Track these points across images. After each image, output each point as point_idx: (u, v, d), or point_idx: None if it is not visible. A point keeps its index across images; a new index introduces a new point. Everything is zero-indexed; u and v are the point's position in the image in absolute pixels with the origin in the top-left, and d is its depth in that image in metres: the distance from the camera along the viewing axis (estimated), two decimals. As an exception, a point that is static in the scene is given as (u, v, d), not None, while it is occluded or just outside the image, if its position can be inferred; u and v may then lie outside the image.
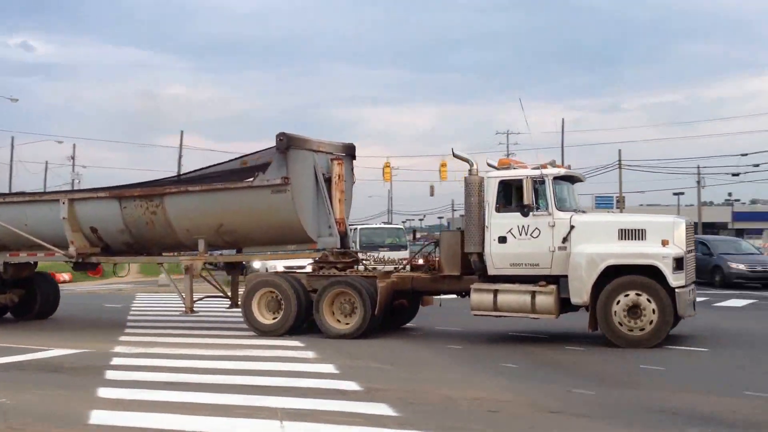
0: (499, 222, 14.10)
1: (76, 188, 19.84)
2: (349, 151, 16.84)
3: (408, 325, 16.44)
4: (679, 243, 13.41)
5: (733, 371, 11.13)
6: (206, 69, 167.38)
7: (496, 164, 15.09)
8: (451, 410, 8.59)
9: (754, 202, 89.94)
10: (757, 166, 55.66)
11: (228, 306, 17.62)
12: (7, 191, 26.77)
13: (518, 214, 13.97)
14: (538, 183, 13.90)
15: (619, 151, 58.24)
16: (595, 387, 9.81)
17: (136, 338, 15.07)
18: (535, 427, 7.90)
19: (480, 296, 14.09)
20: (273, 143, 15.53)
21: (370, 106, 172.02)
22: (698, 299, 17.46)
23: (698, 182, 73.17)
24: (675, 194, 76.85)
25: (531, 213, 13.81)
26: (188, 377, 10.62)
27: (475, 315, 14.30)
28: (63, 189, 19.86)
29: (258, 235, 16.22)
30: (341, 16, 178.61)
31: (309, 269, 16.38)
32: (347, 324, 14.70)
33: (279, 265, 21.72)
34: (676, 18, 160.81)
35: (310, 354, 12.79)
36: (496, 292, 14.01)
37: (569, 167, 15.11)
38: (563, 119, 73.51)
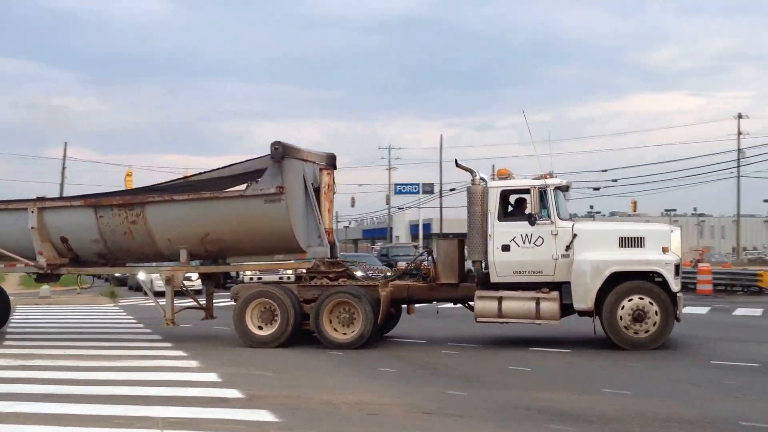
0: (502, 231, 14.34)
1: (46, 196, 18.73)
2: (332, 161, 16.69)
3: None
4: (675, 250, 14.16)
5: (593, 371, 11.90)
6: (93, 81, 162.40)
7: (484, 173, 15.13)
8: (331, 414, 8.91)
9: (613, 214, 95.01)
10: (615, 181, 59.55)
11: (202, 318, 16.93)
12: None
13: (521, 222, 14.33)
14: (542, 193, 14.34)
15: (493, 166, 59.99)
16: (467, 388, 10.34)
17: (15, 350, 14.69)
18: (411, 428, 8.31)
19: (484, 303, 14.30)
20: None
21: (258, 121, 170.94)
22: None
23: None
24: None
25: (537, 222, 14.17)
26: (68, 389, 10.52)
27: (479, 322, 14.56)
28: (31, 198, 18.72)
29: (245, 245, 15.82)
30: (229, 32, 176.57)
31: (284, 279, 15.97)
32: (345, 334, 14.54)
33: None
34: (549, 42, 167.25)
35: (193, 363, 12.85)
36: (500, 299, 14.25)
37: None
38: (441, 135, 75.28)
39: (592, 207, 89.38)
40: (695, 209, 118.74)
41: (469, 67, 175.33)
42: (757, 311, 20.37)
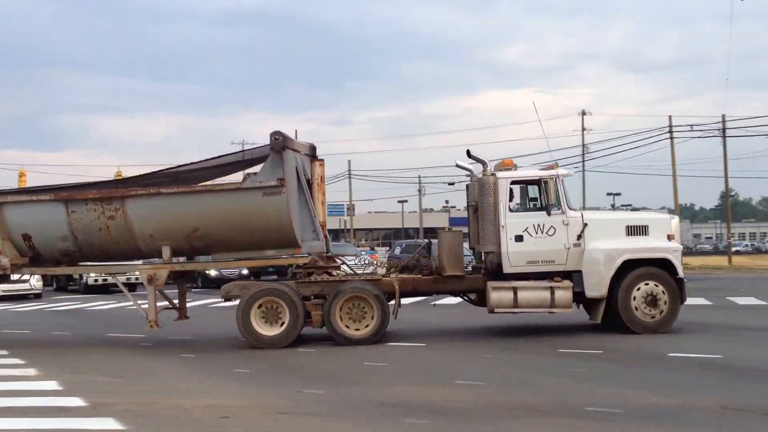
0: (515, 221, 14.54)
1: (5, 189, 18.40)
2: (314, 152, 15.84)
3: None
4: (677, 238, 14.96)
5: (448, 363, 12.07)
6: None
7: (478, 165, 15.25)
8: (181, 419, 8.59)
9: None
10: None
11: (175, 319, 15.95)
12: None
13: (534, 213, 14.67)
14: (555, 183, 14.64)
15: (349, 161, 60.62)
16: (323, 386, 10.24)
17: None
18: (265, 430, 8.13)
19: (500, 294, 14.35)
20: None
21: (104, 114, 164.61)
22: (418, 299, 18.75)
23: (419, 190, 77.79)
24: (399, 202, 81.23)
25: (552, 212, 14.47)
26: None
27: (496, 313, 14.58)
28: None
29: (237, 240, 14.89)
30: (72, 24, 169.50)
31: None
32: (358, 330, 14.25)
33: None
34: (404, 38, 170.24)
35: (31, 371, 12.13)
36: (515, 289, 14.34)
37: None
38: (296, 131, 74.91)
39: (447, 201, 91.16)
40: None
41: (324, 62, 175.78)
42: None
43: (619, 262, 14.46)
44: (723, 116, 54.71)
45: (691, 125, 55.92)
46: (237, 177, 16.21)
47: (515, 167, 15.25)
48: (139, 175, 16.61)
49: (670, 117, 55.91)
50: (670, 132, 55.60)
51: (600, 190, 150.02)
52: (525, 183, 15.14)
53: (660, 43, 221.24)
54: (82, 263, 16.17)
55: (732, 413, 8.14)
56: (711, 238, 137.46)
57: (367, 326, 14.27)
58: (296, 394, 9.85)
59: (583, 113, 68.68)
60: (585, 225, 14.64)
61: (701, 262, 59.16)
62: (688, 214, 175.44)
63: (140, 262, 16.79)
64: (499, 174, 14.86)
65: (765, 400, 8.65)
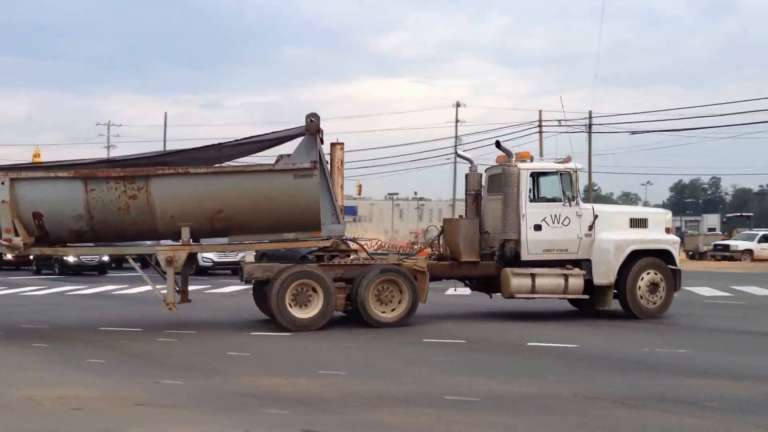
0: (534, 211, 15.46)
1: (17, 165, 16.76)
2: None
3: None
4: (672, 231, 16.57)
5: (312, 353, 12.00)
6: None
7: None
8: (32, 412, 8.15)
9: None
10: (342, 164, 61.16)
11: (178, 301, 14.90)
12: None
13: (552, 203, 15.65)
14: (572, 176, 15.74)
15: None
16: (183, 377, 9.96)
17: None
18: (119, 422, 7.81)
19: (519, 280, 15.20)
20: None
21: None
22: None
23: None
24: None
25: (568, 203, 15.59)
26: None
27: (516, 297, 15.45)
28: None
29: (259, 222, 14.58)
30: None
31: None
32: (385, 312, 14.62)
33: None
34: (281, 22, 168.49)
35: None
36: (533, 276, 15.23)
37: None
38: (166, 113, 73.01)
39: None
40: (416, 193, 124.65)
41: (196, 43, 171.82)
42: (467, 290, 21.75)
43: (627, 251, 15.62)
44: (590, 112, 56.97)
45: (560, 120, 57.96)
46: (251, 159, 16.56)
47: (532, 159, 16.16)
48: (164, 153, 16.60)
49: (540, 111, 57.80)
50: (540, 126, 57.46)
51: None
52: (544, 174, 16.01)
53: (534, 39, 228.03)
54: (86, 244, 15.69)
55: (585, 400, 8.43)
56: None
57: (393, 309, 14.71)
58: (154, 384, 9.54)
59: (458, 105, 69.96)
60: (596, 217, 15.76)
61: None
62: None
63: (148, 243, 16.52)
64: (521, 165, 15.65)
65: (615, 388, 9.00)
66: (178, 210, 14.35)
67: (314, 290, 14.38)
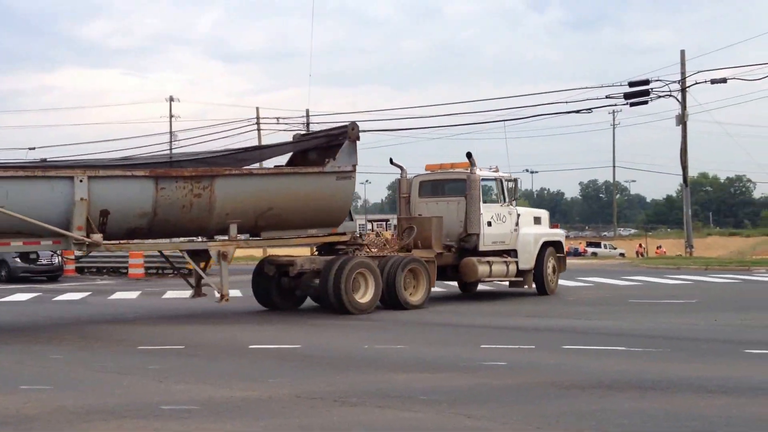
0: (486, 211, 19.20)
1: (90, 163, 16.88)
2: None
3: None
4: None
5: (11, 367, 10.86)
6: None
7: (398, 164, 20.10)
8: None
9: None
10: (45, 160, 57.49)
11: (191, 296, 16.90)
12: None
13: (494, 204, 19.56)
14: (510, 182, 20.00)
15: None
16: None
17: None
18: None
19: (482, 267, 18.86)
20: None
21: None
22: None
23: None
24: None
25: (505, 204, 19.78)
26: None
27: (482, 281, 20.03)
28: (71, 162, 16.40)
29: (296, 219, 16.45)
30: None
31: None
32: (412, 297, 17.29)
33: None
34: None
35: None
36: (490, 263, 19.06)
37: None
38: None
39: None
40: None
41: None
42: (187, 293, 21.09)
43: (541, 242, 20.38)
44: (307, 111, 57.96)
45: (278, 118, 58.45)
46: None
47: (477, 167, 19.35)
48: (224, 153, 18.05)
49: (257, 108, 57.87)
50: (258, 123, 57.46)
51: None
52: (489, 180, 19.71)
53: (250, 34, 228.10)
54: (141, 240, 15.96)
55: (306, 401, 8.31)
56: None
57: (411, 294, 17.30)
58: None
59: (171, 99, 68.05)
60: (519, 215, 20.04)
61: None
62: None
63: (181, 239, 16.92)
64: (480, 173, 19.30)
65: (336, 387, 8.98)
66: (234, 208, 15.64)
67: (365, 278, 16.42)
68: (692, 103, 45.38)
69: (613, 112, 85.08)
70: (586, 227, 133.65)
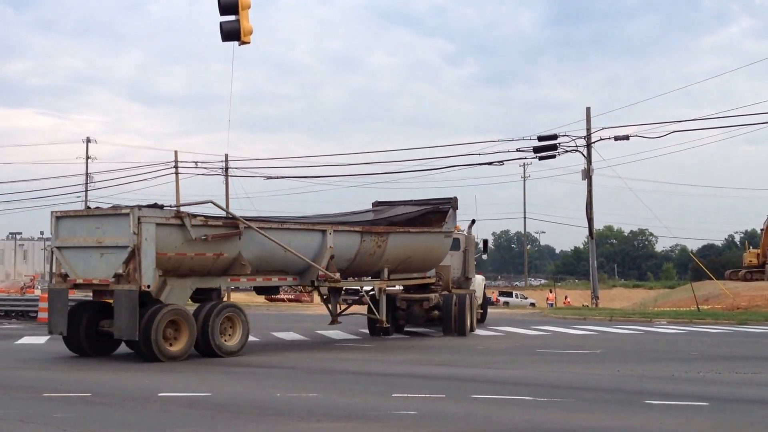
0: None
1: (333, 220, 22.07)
2: None
3: None
4: None
5: None
6: None
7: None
8: None
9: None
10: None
11: (329, 323, 22.56)
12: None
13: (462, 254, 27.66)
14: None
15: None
16: None
17: None
18: None
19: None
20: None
21: None
22: None
23: None
24: None
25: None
26: None
27: None
28: (320, 220, 21.62)
29: (415, 265, 23.31)
30: None
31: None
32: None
33: None
34: None
35: None
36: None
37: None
38: None
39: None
40: (42, 233, 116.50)
41: None
42: (42, 339, 20.43)
43: (483, 285, 31.77)
44: (226, 156, 57.70)
45: (196, 162, 57.96)
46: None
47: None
48: (391, 216, 23.95)
49: (176, 152, 57.28)
50: (176, 167, 56.85)
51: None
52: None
53: (171, 78, 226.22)
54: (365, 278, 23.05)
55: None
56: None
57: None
58: None
59: (88, 140, 66.88)
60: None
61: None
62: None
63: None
64: (470, 232, 27.95)
65: (247, 436, 8.92)
66: (392, 255, 21.74)
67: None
68: (597, 158, 47.03)
69: (524, 165, 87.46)
70: (499, 276, 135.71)
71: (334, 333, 24.67)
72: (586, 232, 47.93)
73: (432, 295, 24.19)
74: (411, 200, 26.19)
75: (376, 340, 22.82)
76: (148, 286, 15.98)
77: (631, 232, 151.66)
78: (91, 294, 18.07)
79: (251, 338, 22.81)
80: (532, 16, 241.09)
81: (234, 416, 10.24)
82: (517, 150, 44.90)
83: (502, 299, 72.45)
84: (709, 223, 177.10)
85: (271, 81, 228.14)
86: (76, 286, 17.36)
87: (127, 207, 16.44)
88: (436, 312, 24.28)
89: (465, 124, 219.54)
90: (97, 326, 17.25)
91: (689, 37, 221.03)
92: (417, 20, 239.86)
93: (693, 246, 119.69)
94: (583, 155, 44.85)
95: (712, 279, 51.75)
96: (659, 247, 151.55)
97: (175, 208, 17.28)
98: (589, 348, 20.41)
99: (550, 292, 75.32)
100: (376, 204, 25.54)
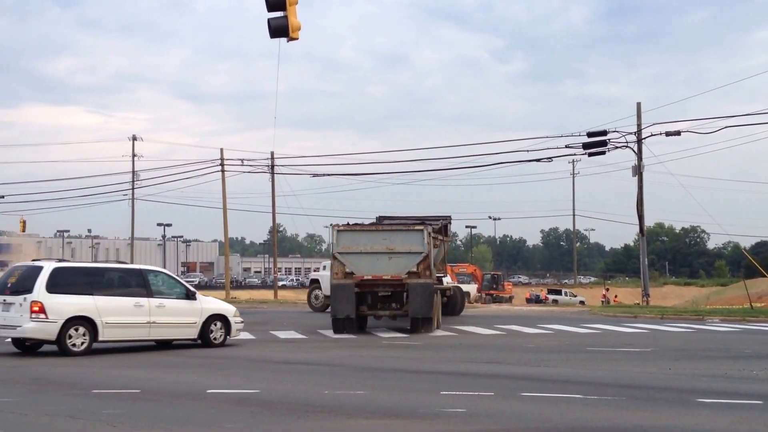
0: None
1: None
2: None
3: None
4: None
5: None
6: None
7: None
8: None
9: (1, 233, 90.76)
10: (3, 197, 58.79)
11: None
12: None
13: None
14: None
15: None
16: None
17: None
18: None
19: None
20: None
21: None
22: None
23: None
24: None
25: None
26: None
27: None
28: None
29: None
30: None
31: None
32: None
33: None
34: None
35: None
36: None
37: None
38: None
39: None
40: (90, 230, 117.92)
41: None
42: None
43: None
44: (272, 153, 57.91)
45: (242, 160, 58.28)
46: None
47: None
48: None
49: (221, 150, 57.61)
50: (222, 165, 57.22)
51: (151, 219, 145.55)
52: None
53: (215, 75, 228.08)
54: None
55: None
56: (260, 272, 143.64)
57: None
58: None
59: (134, 138, 67.51)
60: None
61: (249, 296, 61.41)
62: (239, 248, 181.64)
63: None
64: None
65: (294, 433, 8.91)
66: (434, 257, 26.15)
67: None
68: (648, 154, 45.92)
69: (573, 161, 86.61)
70: (548, 274, 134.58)
71: (379, 330, 24.67)
72: (637, 229, 47.16)
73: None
74: (410, 216, 29.04)
75: (424, 338, 22.73)
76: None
77: (683, 229, 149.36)
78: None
79: (299, 335, 22.92)
80: (581, 11, 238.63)
81: (282, 413, 10.25)
82: (566, 146, 44.33)
83: (552, 297, 71.84)
84: (762, 219, 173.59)
85: (317, 78, 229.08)
86: (362, 282, 23.41)
87: (417, 224, 24.56)
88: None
89: (513, 121, 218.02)
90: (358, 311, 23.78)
91: (741, 31, 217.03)
92: (464, 16, 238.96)
93: (746, 243, 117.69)
94: (634, 151, 44.12)
95: (765, 276, 50.61)
96: (711, 244, 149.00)
97: (433, 224, 25.08)
98: (640, 346, 20.07)
99: (606, 289, 74.58)
100: (380, 219, 28.43)
